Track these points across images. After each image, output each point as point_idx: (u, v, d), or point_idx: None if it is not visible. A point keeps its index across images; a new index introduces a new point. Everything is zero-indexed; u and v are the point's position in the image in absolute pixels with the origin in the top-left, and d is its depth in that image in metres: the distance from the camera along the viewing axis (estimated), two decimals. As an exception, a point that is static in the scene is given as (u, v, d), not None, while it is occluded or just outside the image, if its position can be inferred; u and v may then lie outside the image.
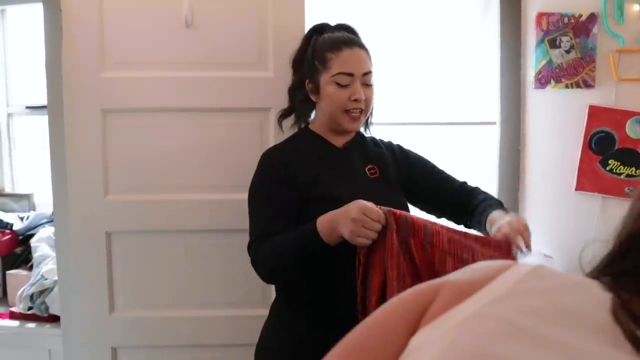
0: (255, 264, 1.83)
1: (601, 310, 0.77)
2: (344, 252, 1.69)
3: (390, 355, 0.88)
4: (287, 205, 1.84)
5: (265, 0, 2.37)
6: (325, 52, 1.91)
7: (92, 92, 2.34)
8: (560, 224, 2.64)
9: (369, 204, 1.65)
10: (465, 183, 2.06)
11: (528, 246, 1.68)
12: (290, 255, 1.74)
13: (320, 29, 2.02)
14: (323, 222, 1.68)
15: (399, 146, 2.09)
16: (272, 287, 2.19)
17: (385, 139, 2.10)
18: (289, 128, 2.11)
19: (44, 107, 2.93)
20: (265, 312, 2.02)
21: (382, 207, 1.68)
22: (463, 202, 2.00)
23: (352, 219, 1.62)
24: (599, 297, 0.79)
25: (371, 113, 2.03)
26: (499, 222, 1.76)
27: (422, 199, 2.07)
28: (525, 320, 0.79)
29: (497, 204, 1.95)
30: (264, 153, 2.00)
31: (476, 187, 2.05)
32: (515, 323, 0.80)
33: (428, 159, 2.09)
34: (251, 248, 1.84)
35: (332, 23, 2.05)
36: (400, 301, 0.94)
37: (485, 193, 2.02)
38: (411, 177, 2.02)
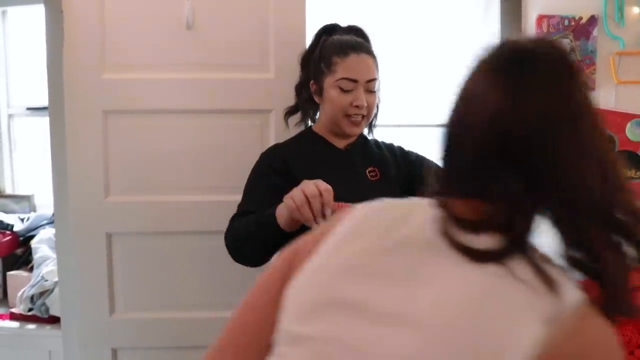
0: (225, 242, 1.86)
1: (429, 227, 0.91)
2: None
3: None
4: (275, 192, 1.82)
5: (267, 2, 2.37)
6: (332, 55, 1.91)
7: (93, 94, 2.35)
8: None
9: (328, 187, 1.62)
10: None
11: None
12: (250, 233, 1.75)
13: (330, 30, 2.01)
14: (281, 204, 1.68)
15: (400, 147, 2.09)
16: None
17: (388, 141, 2.10)
18: (294, 126, 2.11)
19: (44, 108, 2.93)
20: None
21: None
22: None
23: (301, 189, 1.60)
24: (428, 216, 0.94)
25: (375, 116, 2.03)
26: None
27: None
28: (361, 261, 0.94)
29: None
30: (265, 150, 2.02)
31: None
32: (353, 265, 0.94)
33: (430, 159, 2.09)
34: (228, 226, 1.88)
35: (342, 24, 2.04)
36: (267, 274, 1.07)
37: None
38: (413, 178, 2.02)
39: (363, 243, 0.96)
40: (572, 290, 0.84)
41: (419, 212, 0.98)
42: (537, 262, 0.84)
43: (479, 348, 0.81)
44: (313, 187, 1.59)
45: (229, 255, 1.90)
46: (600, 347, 0.86)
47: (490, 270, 0.85)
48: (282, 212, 1.67)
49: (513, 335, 0.80)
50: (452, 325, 0.82)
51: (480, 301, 0.84)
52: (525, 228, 0.88)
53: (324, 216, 1.57)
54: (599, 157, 0.90)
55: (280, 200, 1.76)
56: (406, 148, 2.10)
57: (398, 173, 2.01)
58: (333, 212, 1.56)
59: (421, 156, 2.10)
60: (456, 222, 0.91)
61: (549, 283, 0.82)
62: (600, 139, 0.92)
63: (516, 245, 0.86)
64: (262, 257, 1.80)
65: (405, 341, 0.84)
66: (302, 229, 1.59)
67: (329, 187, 1.60)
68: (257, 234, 1.73)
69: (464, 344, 0.81)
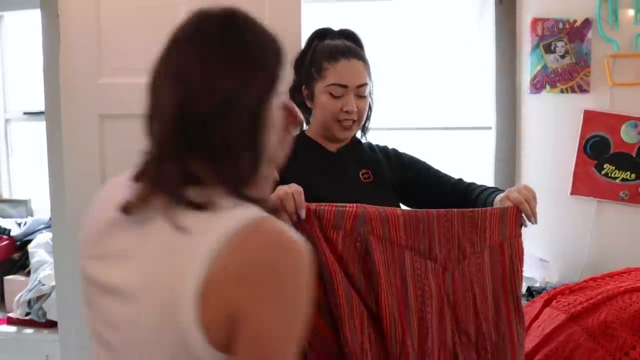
0: None
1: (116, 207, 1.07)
2: None
3: None
4: None
5: (262, 6, 2.37)
6: (322, 61, 1.91)
7: (90, 98, 2.35)
8: (555, 228, 2.65)
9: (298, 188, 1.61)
10: (461, 179, 2.06)
11: (533, 215, 1.70)
12: None
13: (322, 34, 2.01)
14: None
15: (394, 149, 2.10)
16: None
17: (382, 144, 2.11)
18: None
19: (41, 112, 2.93)
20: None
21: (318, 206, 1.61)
22: (461, 198, 2.00)
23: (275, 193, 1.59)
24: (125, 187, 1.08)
25: (368, 119, 2.03)
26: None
27: (418, 200, 2.05)
28: (91, 246, 1.24)
29: (497, 191, 1.95)
30: None
31: (472, 182, 2.05)
32: (89, 251, 1.27)
33: (423, 160, 2.10)
34: None
35: (336, 28, 2.04)
36: None
37: (482, 185, 2.02)
38: (406, 180, 2.02)
39: (88, 229, 1.26)
40: (238, 215, 0.96)
41: (118, 189, 1.13)
42: (173, 215, 0.98)
43: (162, 299, 0.95)
44: (285, 189, 1.59)
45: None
46: (259, 266, 0.93)
47: (157, 232, 1.00)
48: None
49: (179, 279, 0.93)
50: (143, 288, 0.99)
51: (153, 259, 0.99)
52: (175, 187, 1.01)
53: (299, 217, 1.57)
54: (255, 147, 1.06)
55: None
56: (400, 150, 2.11)
57: (392, 175, 2.01)
58: (307, 211, 1.58)
59: (415, 158, 2.10)
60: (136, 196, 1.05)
61: (182, 229, 0.96)
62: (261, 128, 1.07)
63: (174, 201, 1.00)
64: None
65: (127, 309, 1.01)
66: None
67: (299, 188, 1.60)
68: None
69: (154, 299, 0.96)
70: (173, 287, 0.93)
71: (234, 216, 0.96)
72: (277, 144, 1.13)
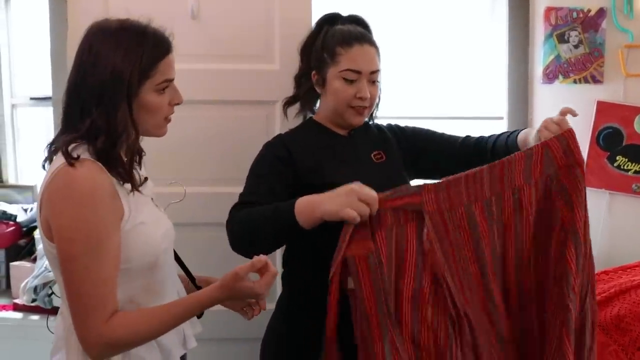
0: (227, 227, 1.79)
1: None
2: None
3: None
4: (279, 183, 1.82)
5: (272, -6, 2.36)
6: (335, 46, 1.90)
7: (97, 84, 2.33)
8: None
9: (362, 187, 1.56)
10: (468, 136, 2.06)
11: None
12: (260, 227, 1.69)
13: (332, 19, 2.00)
14: (302, 201, 1.61)
15: (396, 125, 2.12)
16: (279, 281, 2.17)
17: (384, 123, 2.11)
18: (294, 117, 2.10)
19: (48, 98, 2.92)
20: (273, 306, 2.01)
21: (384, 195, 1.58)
22: (476, 150, 1.98)
23: (345, 193, 1.54)
24: None
25: (377, 106, 2.02)
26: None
27: (432, 167, 2.05)
28: None
29: (512, 133, 1.94)
30: (269, 140, 2.00)
31: (480, 136, 2.04)
32: None
33: (426, 128, 2.11)
34: (230, 212, 1.82)
35: (344, 14, 2.03)
36: None
37: (491, 135, 2.02)
38: (416, 150, 2.01)
39: None
40: (58, 163, 1.42)
41: None
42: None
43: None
44: (371, 193, 1.53)
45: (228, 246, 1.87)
46: (56, 188, 1.41)
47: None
48: (307, 211, 1.59)
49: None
50: None
51: None
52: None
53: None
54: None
55: (286, 191, 1.77)
56: (401, 124, 2.12)
57: (400, 150, 2.01)
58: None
59: (417, 127, 2.11)
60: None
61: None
62: None
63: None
64: (265, 250, 1.75)
65: None
66: (321, 226, 1.58)
67: (376, 196, 1.55)
68: (270, 226, 1.67)
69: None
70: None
71: (61, 161, 1.41)
72: (149, 124, 1.55)
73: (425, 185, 1.60)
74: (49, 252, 1.49)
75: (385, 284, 1.54)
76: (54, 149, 1.49)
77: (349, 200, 1.51)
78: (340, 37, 1.91)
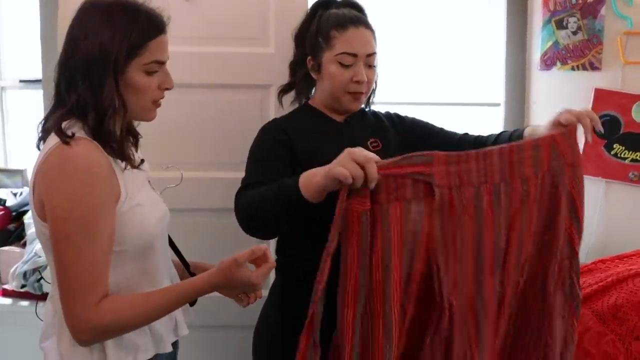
0: (235, 210, 1.76)
1: None
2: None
3: None
4: (281, 165, 1.79)
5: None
6: (330, 29, 1.87)
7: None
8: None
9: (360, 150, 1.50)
10: (467, 133, 2.03)
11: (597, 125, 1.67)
12: (267, 206, 1.65)
13: (326, 4, 1.97)
14: (305, 173, 1.57)
15: (395, 114, 2.08)
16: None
17: (383, 110, 2.07)
18: (289, 104, 2.06)
19: (37, 81, 2.88)
20: (266, 293, 1.98)
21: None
22: (475, 147, 1.94)
23: (341, 155, 1.49)
24: None
25: (373, 91, 2.00)
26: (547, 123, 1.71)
27: None
28: None
29: (515, 131, 1.90)
30: (265, 124, 1.97)
31: (479, 134, 2.02)
32: None
33: (425, 120, 2.07)
34: (235, 197, 1.79)
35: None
36: None
37: (491, 133, 1.99)
38: (413, 141, 1.98)
39: None
40: (52, 142, 1.40)
41: None
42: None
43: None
44: (365, 153, 1.47)
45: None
46: (50, 166, 1.38)
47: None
48: (309, 182, 1.54)
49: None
50: None
51: None
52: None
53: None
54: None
55: (287, 173, 1.72)
56: (401, 114, 2.08)
57: (398, 139, 1.98)
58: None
59: (417, 119, 2.07)
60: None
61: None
62: None
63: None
64: (276, 228, 1.72)
65: None
66: (327, 199, 1.53)
67: (376, 156, 1.49)
68: (276, 203, 1.62)
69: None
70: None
71: (55, 140, 1.39)
72: (136, 106, 1.51)
73: (436, 153, 1.51)
74: (41, 233, 1.46)
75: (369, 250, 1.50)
76: (47, 127, 1.46)
77: (342, 160, 1.47)
78: (335, 20, 1.88)
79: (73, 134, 1.39)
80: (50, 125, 1.44)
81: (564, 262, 1.63)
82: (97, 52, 1.40)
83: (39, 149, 1.49)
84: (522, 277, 1.61)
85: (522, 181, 1.56)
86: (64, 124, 1.41)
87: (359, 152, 1.46)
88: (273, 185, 1.65)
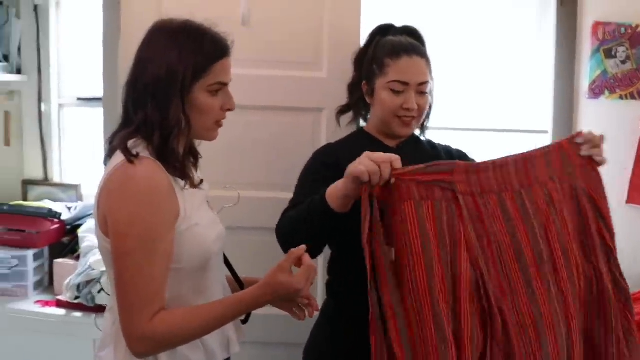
0: (276, 231, 1.80)
1: None
2: None
3: None
4: (325, 186, 1.75)
5: (322, 0, 2.37)
6: (384, 57, 1.90)
7: (148, 87, 2.36)
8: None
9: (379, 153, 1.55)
10: None
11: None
12: (300, 222, 1.70)
13: (385, 30, 2.00)
14: (332, 185, 1.62)
15: (457, 150, 2.06)
16: (321, 287, 2.18)
17: (444, 142, 2.09)
18: (346, 125, 2.11)
19: (94, 99, 2.98)
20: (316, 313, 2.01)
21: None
22: None
23: (367, 156, 1.53)
24: None
25: (427, 117, 2.01)
26: None
27: None
28: None
29: None
30: (318, 149, 2.03)
31: None
32: None
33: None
34: (280, 218, 1.83)
35: (398, 24, 2.04)
36: None
37: None
38: None
39: None
40: (117, 160, 1.47)
41: None
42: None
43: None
44: (381, 155, 1.52)
45: (275, 252, 1.87)
46: (115, 185, 1.45)
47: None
48: (333, 191, 1.60)
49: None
50: None
51: None
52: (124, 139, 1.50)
53: (387, 183, 1.53)
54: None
55: None
56: (464, 151, 2.08)
57: None
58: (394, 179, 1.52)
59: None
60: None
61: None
62: None
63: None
64: (313, 245, 1.68)
65: None
66: (353, 210, 1.56)
67: (397, 156, 1.54)
68: (308, 218, 1.67)
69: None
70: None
71: (120, 158, 1.45)
72: (200, 126, 1.56)
73: (457, 162, 1.59)
74: (103, 248, 1.52)
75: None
76: (113, 145, 1.53)
77: (359, 159, 1.52)
78: (390, 48, 1.91)
79: (137, 154, 1.45)
80: (117, 144, 1.50)
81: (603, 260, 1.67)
82: (164, 74, 1.46)
83: (105, 165, 1.56)
84: (580, 281, 1.63)
85: (541, 186, 1.61)
86: (129, 143, 1.48)
87: (377, 153, 1.52)
88: (305, 203, 1.69)
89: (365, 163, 1.50)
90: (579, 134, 1.69)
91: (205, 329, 1.52)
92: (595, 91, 2.59)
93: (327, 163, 1.90)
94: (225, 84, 1.57)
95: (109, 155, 1.55)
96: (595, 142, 1.70)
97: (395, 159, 1.52)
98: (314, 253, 1.80)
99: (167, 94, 1.47)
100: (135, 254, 1.42)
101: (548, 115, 2.68)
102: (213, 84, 1.52)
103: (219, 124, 1.62)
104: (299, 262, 1.54)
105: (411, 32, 1.99)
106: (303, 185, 1.91)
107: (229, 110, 1.61)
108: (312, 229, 1.68)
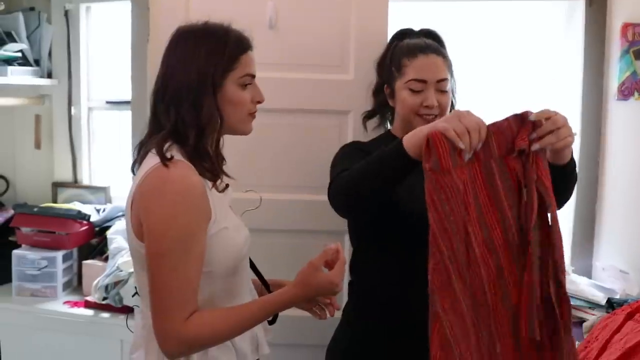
0: (332, 192, 1.74)
1: None
2: (420, 249, 1.49)
3: None
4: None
5: (349, 3, 2.38)
6: (401, 58, 1.93)
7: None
8: (638, 239, 2.57)
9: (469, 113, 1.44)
10: None
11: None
12: (370, 169, 1.60)
13: (402, 34, 2.05)
14: (410, 133, 1.51)
15: None
16: (346, 289, 2.17)
17: None
18: (373, 130, 2.12)
19: (123, 102, 3.01)
20: (337, 314, 2.01)
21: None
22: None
23: (451, 113, 1.45)
24: None
25: None
26: None
27: None
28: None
29: None
30: (345, 144, 2.05)
31: None
32: None
33: None
34: (330, 184, 1.78)
35: (417, 28, 2.06)
36: None
37: None
38: None
39: None
40: (151, 164, 1.47)
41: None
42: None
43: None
44: (474, 118, 1.41)
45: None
46: (150, 187, 1.46)
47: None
48: (414, 134, 1.47)
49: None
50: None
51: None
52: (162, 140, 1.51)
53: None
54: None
55: None
56: None
57: None
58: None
59: None
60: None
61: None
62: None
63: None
64: (372, 200, 1.64)
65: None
66: (397, 220, 1.58)
67: (484, 123, 1.44)
68: (380, 163, 1.57)
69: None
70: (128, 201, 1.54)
71: (154, 162, 1.47)
72: (234, 118, 1.58)
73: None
74: (136, 250, 1.53)
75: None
76: (146, 149, 1.54)
77: (449, 118, 1.42)
78: (406, 49, 1.94)
79: (172, 157, 1.47)
80: (150, 147, 1.52)
81: None
82: (195, 75, 1.50)
83: (133, 172, 1.58)
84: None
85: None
86: (164, 146, 1.49)
87: (468, 114, 1.42)
88: (373, 155, 1.62)
89: (456, 125, 1.39)
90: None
91: (238, 330, 1.54)
92: (625, 92, 2.56)
93: (360, 148, 1.93)
94: (253, 76, 1.61)
95: (139, 161, 1.56)
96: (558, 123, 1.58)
97: (483, 126, 1.43)
98: (364, 212, 1.75)
99: (199, 94, 1.50)
100: (170, 256, 1.43)
101: (576, 116, 2.65)
102: (242, 76, 1.56)
103: (252, 116, 1.64)
104: (331, 263, 1.56)
105: (429, 34, 2.02)
106: (343, 159, 1.88)
107: (259, 102, 1.63)
108: (384, 173, 1.57)
